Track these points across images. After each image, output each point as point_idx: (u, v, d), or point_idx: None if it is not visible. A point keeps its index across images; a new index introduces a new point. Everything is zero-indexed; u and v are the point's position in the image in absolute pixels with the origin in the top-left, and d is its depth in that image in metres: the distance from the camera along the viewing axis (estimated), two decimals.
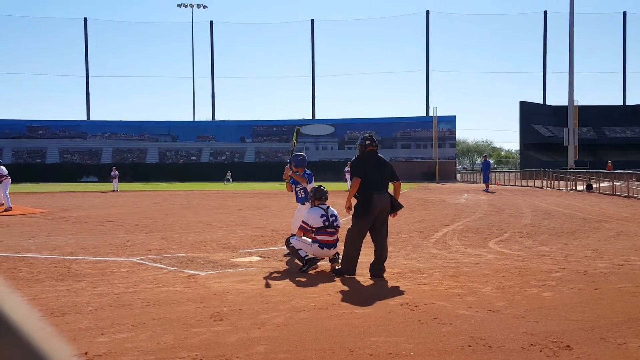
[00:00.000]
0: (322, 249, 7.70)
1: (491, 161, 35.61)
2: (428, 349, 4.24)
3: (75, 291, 6.46)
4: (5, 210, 17.91)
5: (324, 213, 7.83)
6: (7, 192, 18.85)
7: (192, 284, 6.83)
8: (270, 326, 4.87)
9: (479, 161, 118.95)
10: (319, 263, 7.89)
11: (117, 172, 39.63)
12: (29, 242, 11.00)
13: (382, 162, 7.62)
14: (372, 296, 6.08)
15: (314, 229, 7.79)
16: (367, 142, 7.56)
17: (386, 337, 4.51)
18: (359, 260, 7.38)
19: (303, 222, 7.89)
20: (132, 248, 10.05)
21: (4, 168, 19.17)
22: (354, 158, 7.64)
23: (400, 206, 7.64)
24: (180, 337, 4.56)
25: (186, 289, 6.52)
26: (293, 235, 8.25)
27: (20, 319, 0.89)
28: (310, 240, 7.80)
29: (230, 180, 55.51)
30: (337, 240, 7.84)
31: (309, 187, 8.79)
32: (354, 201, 7.53)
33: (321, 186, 8.21)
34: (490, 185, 33.91)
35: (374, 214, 7.34)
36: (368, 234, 7.53)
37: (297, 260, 7.92)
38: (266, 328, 4.81)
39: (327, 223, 7.75)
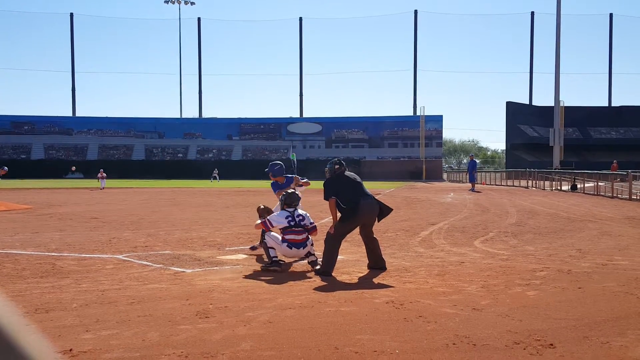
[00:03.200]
0: (291, 248, 7.73)
1: (477, 161, 35.60)
2: (413, 346, 4.27)
3: (60, 288, 6.43)
4: None
5: (289, 214, 7.89)
6: None
7: (177, 282, 6.82)
8: (256, 324, 4.88)
9: (465, 161, 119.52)
10: (298, 263, 8.12)
11: (104, 174, 38.97)
12: (13, 238, 10.92)
13: (354, 176, 7.93)
14: (357, 294, 6.09)
15: (280, 229, 7.88)
16: (337, 166, 7.91)
17: (371, 335, 4.53)
18: (346, 259, 7.42)
19: (268, 219, 7.98)
20: (118, 245, 10.01)
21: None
22: (325, 181, 7.87)
23: (390, 210, 7.82)
24: (165, 334, 4.55)
25: (172, 286, 6.51)
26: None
27: (2, 318, 0.88)
28: (280, 238, 7.84)
29: (217, 177, 55.32)
30: (308, 239, 7.83)
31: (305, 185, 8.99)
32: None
33: (295, 192, 8.28)
34: (476, 185, 34.06)
35: (359, 218, 7.47)
36: (363, 243, 7.79)
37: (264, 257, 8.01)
38: (252, 325, 4.81)
39: (292, 223, 7.81)
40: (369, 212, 7.58)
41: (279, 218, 7.91)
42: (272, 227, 7.87)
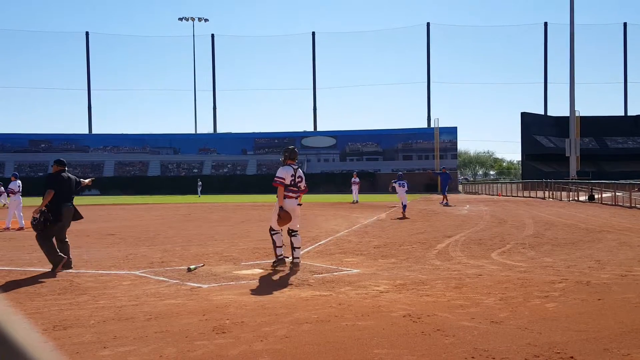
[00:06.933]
0: (284, 198, 8.92)
1: (449, 172, 33.27)
2: None
3: (77, 304, 6.46)
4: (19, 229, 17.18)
5: (293, 173, 9.06)
6: (19, 211, 17.58)
7: (194, 297, 6.82)
8: (273, 339, 4.87)
9: (480, 172, 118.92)
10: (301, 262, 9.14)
11: (2, 188, 29.25)
12: (31, 255, 11.00)
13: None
14: (374, 308, 6.07)
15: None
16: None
17: (389, 349, 4.50)
18: (363, 273, 7.38)
19: (278, 176, 8.97)
20: (134, 261, 10.05)
21: (18, 182, 18.42)
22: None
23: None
24: (182, 350, 4.56)
25: (188, 302, 6.52)
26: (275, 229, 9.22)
27: (19, 335, 0.89)
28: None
29: (199, 191, 54.43)
30: (299, 197, 9.22)
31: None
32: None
33: (295, 148, 9.50)
34: (447, 198, 30.84)
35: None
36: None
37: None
38: (269, 340, 4.80)
39: (292, 182, 9.00)
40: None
41: (286, 173, 9.01)
42: (284, 180, 8.93)
